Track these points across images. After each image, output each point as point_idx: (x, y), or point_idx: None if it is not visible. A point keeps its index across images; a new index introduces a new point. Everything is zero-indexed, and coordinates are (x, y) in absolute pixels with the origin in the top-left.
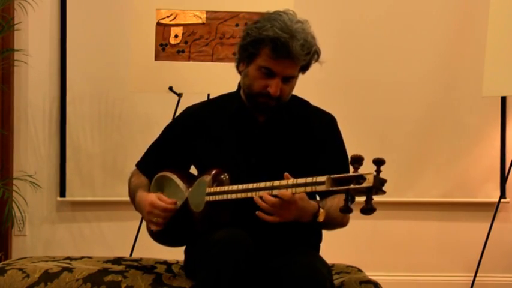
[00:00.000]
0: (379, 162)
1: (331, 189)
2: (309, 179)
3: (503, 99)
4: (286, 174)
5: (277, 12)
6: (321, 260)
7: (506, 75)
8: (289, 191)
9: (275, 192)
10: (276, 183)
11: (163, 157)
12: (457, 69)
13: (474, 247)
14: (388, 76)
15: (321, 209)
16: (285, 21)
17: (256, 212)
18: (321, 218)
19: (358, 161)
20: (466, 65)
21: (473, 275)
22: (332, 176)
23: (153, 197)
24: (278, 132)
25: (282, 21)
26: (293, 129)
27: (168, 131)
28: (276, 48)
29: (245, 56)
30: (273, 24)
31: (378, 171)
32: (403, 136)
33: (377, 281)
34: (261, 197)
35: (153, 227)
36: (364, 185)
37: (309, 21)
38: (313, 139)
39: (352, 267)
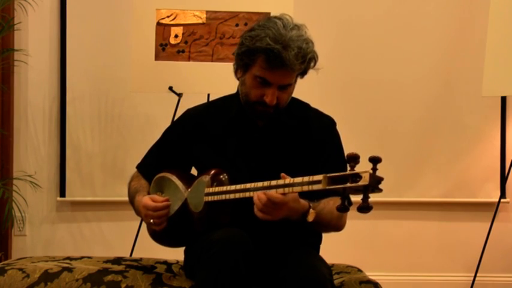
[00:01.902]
0: (375, 161)
1: (327, 188)
2: (306, 178)
3: (503, 99)
4: (282, 174)
5: (272, 19)
6: (322, 260)
7: (506, 75)
8: (280, 191)
9: (268, 193)
10: (273, 182)
11: (164, 160)
12: (457, 69)
13: (474, 247)
14: (388, 76)
15: (311, 209)
16: (279, 30)
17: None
18: (310, 218)
19: (354, 159)
20: (466, 65)
21: (473, 275)
22: (328, 175)
23: (146, 199)
24: (278, 135)
25: (276, 29)
26: (293, 132)
27: (168, 134)
28: (269, 59)
29: (241, 64)
30: (267, 34)
31: (374, 169)
32: (403, 136)
33: (377, 281)
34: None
35: (154, 228)
36: (361, 183)
37: (309, 21)
38: (312, 142)
39: (352, 267)
